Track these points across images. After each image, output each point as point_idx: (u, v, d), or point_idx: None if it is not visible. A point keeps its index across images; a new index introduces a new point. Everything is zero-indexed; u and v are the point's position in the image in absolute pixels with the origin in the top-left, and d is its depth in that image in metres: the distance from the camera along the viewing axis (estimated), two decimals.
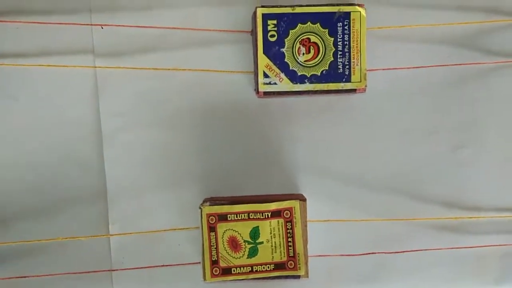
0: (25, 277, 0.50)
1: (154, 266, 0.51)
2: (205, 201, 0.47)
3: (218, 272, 0.46)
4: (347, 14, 0.46)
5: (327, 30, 0.46)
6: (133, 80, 0.50)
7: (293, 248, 0.46)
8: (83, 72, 0.49)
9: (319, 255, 0.51)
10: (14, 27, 0.49)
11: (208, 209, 0.46)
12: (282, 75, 0.47)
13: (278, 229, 0.46)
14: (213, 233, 0.46)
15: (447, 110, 0.52)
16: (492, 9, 0.51)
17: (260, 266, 0.46)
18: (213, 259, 0.46)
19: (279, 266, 0.46)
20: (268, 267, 0.46)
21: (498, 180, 0.52)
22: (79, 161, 0.50)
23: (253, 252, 0.46)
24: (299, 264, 0.46)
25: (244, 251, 0.46)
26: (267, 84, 0.47)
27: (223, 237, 0.46)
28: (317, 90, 0.47)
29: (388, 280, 0.52)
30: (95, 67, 0.49)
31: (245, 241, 0.46)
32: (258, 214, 0.46)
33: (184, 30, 0.49)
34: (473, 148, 0.52)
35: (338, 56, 0.46)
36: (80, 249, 0.50)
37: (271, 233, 0.46)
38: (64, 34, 0.49)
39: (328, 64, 0.46)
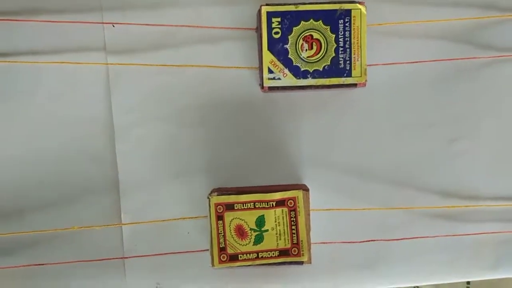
0: (42, 264, 0.52)
1: (164, 254, 0.53)
2: (213, 191, 0.49)
3: (225, 258, 0.48)
4: (348, 12, 0.48)
5: (329, 27, 0.48)
6: (144, 76, 0.51)
7: (297, 235, 0.48)
8: (95, 69, 0.51)
9: (322, 242, 0.53)
10: (29, 26, 0.50)
11: (216, 199, 0.48)
12: (286, 71, 0.48)
13: (283, 217, 0.48)
14: (220, 222, 0.48)
15: (445, 103, 0.53)
16: (488, 5, 0.52)
17: (266, 253, 0.48)
18: (221, 246, 0.48)
19: (283, 253, 0.48)
20: (273, 253, 0.48)
21: (494, 170, 0.54)
22: (92, 155, 0.52)
23: (258, 240, 0.48)
24: (303, 250, 0.48)
25: (250, 239, 0.48)
26: (271, 79, 0.48)
27: (230, 225, 0.48)
28: (319, 85, 0.48)
29: (387, 266, 0.54)
30: (107, 64, 0.51)
31: (251, 229, 0.48)
32: (264, 203, 0.48)
33: (192, 27, 0.51)
34: (469, 140, 0.54)
35: (340, 52, 0.48)
36: (94, 238, 0.52)
37: (275, 221, 0.48)
38: (77, 32, 0.50)
39: (330, 60, 0.48)
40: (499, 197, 0.54)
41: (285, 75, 0.48)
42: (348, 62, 0.48)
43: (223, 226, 0.48)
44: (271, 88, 0.49)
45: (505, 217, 0.54)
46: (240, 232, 0.48)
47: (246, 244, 0.48)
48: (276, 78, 0.48)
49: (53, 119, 0.52)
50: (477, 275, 0.55)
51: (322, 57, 0.48)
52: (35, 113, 0.51)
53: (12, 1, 0.50)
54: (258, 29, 0.49)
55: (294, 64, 0.48)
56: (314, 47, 0.48)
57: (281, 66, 0.48)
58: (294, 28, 0.48)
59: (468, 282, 0.54)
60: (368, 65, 0.49)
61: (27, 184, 0.52)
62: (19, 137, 0.52)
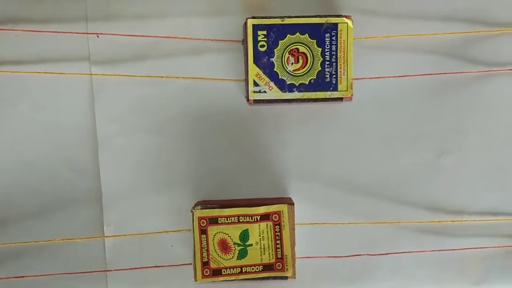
0: (22, 277, 0.52)
1: (147, 267, 0.52)
2: (196, 204, 0.49)
3: (208, 273, 0.48)
4: (335, 25, 0.48)
5: (315, 40, 0.48)
6: (128, 87, 0.51)
7: (281, 250, 0.48)
8: (79, 79, 0.51)
9: (306, 257, 0.52)
10: (13, 35, 0.50)
11: (200, 213, 0.48)
12: (272, 84, 0.48)
13: (267, 231, 0.48)
14: (204, 236, 0.48)
15: (432, 118, 0.53)
16: (476, 20, 0.52)
17: (249, 267, 0.48)
18: (204, 260, 0.48)
19: (267, 267, 0.48)
20: (257, 268, 0.48)
21: (480, 185, 0.54)
22: (75, 165, 0.52)
23: (242, 254, 0.48)
24: (287, 265, 0.48)
25: (234, 253, 0.48)
26: (257, 92, 0.48)
27: (213, 239, 0.48)
28: (305, 98, 0.48)
29: (373, 281, 0.54)
30: (91, 74, 0.51)
31: (235, 243, 0.48)
32: (248, 217, 0.48)
33: (177, 38, 0.51)
34: (456, 154, 0.54)
35: (326, 66, 0.48)
36: (76, 250, 0.52)
37: (260, 235, 0.48)
38: (61, 42, 0.50)
39: (316, 74, 0.48)
40: (484, 212, 0.54)
41: (270, 88, 0.48)
42: (334, 76, 0.48)
43: (206, 240, 0.48)
44: (257, 101, 0.48)
45: (490, 232, 0.54)
46: (224, 246, 0.48)
47: (230, 258, 0.48)
48: (261, 91, 0.48)
49: (36, 129, 0.51)
50: None
51: (308, 70, 0.48)
52: (18, 122, 0.51)
53: None
54: (244, 41, 0.49)
55: (279, 77, 0.48)
56: (300, 61, 0.48)
57: (266, 79, 0.48)
58: (280, 41, 0.47)
59: None
60: (354, 79, 0.49)
61: (9, 194, 0.51)
62: (1, 147, 0.51)
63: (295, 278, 0.48)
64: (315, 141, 0.53)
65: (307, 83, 0.48)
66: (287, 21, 0.47)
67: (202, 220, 0.48)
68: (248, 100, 0.48)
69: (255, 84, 0.48)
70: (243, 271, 0.48)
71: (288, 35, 0.47)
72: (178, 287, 0.52)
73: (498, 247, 0.54)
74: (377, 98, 0.52)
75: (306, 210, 0.52)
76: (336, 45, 0.48)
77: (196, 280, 0.48)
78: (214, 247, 0.48)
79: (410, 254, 0.53)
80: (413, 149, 0.53)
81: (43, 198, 0.52)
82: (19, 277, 0.52)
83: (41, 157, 0.51)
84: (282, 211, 0.48)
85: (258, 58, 0.48)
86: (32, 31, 0.50)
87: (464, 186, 0.54)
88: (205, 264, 0.48)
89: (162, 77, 0.51)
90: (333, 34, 0.48)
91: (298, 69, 0.48)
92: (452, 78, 0.53)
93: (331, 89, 0.48)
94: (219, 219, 0.48)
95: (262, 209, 0.48)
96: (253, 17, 0.47)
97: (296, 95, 0.48)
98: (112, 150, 0.52)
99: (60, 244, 0.51)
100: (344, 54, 0.48)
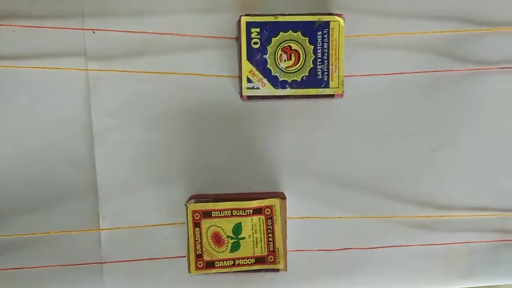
0: (19, 268, 0.53)
1: (142, 259, 0.53)
2: (190, 198, 0.50)
3: (202, 265, 0.49)
4: (327, 24, 0.48)
5: (307, 38, 0.48)
6: (123, 82, 0.52)
7: (273, 243, 0.49)
8: (75, 74, 0.51)
9: (298, 250, 0.53)
10: (10, 31, 0.50)
11: (194, 206, 0.48)
12: (265, 80, 0.49)
13: (259, 225, 0.49)
14: (197, 229, 0.48)
15: (422, 115, 0.54)
16: (466, 19, 0.53)
17: (242, 260, 0.49)
18: (198, 253, 0.49)
19: (259, 260, 0.49)
20: (249, 261, 0.49)
21: (470, 181, 0.55)
22: (71, 159, 0.52)
23: (235, 247, 0.49)
24: (279, 258, 0.49)
25: (227, 246, 0.49)
26: (250, 88, 0.49)
27: (207, 232, 0.49)
28: (297, 95, 0.49)
29: (363, 275, 0.55)
30: (87, 69, 0.51)
31: (228, 237, 0.49)
32: (241, 211, 0.49)
33: (173, 35, 0.51)
34: (447, 151, 0.55)
35: (318, 63, 0.49)
36: (72, 243, 0.53)
37: (252, 229, 0.49)
38: (58, 38, 0.51)
39: (308, 71, 0.49)
40: (472, 207, 0.55)
41: (263, 84, 0.49)
42: (326, 73, 0.49)
43: (200, 233, 0.48)
44: (250, 97, 0.49)
45: (477, 227, 0.55)
46: (217, 239, 0.49)
47: (223, 251, 0.49)
48: (255, 87, 0.49)
49: (32, 123, 0.52)
50: (451, 284, 0.56)
51: (301, 67, 0.49)
52: (15, 117, 0.52)
53: None
54: (238, 38, 0.49)
55: (272, 74, 0.49)
56: (293, 58, 0.49)
57: (259, 75, 0.49)
58: (273, 39, 0.48)
59: None
60: (346, 76, 0.50)
61: (6, 187, 0.52)
62: None
63: (286, 270, 0.49)
64: (307, 137, 0.53)
65: (299, 80, 0.49)
66: (280, 18, 0.48)
67: (196, 214, 0.48)
68: (241, 96, 0.49)
69: (249, 80, 0.49)
70: (236, 264, 0.49)
71: (281, 32, 0.48)
72: (172, 279, 0.53)
73: (486, 241, 0.55)
74: (368, 95, 0.53)
75: (298, 204, 0.53)
76: (328, 43, 0.49)
77: (189, 272, 0.48)
78: (208, 240, 0.49)
79: (400, 248, 0.54)
80: (404, 145, 0.54)
81: (39, 191, 0.52)
82: (16, 268, 0.52)
83: (37, 151, 0.52)
84: (275, 205, 0.49)
85: (251, 55, 0.48)
86: (29, 26, 0.50)
87: (454, 182, 0.55)
88: (198, 256, 0.49)
89: (156, 73, 0.52)
90: (325, 32, 0.48)
91: (290, 66, 0.49)
92: (442, 76, 0.54)
93: (322, 86, 0.49)
94: (212, 212, 0.48)
95: (255, 203, 0.49)
96: (246, 15, 0.48)
97: (288, 91, 0.49)
98: (108, 145, 0.52)
99: (56, 236, 0.52)
100: (335, 52, 0.49)
